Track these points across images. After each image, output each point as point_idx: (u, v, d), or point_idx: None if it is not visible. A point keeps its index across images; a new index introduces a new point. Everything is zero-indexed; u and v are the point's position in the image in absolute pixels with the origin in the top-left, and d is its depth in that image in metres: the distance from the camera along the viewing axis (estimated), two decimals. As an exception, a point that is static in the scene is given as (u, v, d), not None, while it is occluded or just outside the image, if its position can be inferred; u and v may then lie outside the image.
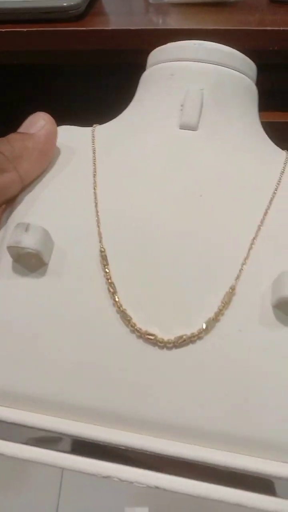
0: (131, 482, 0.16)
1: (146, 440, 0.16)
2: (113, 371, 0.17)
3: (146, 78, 0.26)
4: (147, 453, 0.16)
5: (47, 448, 0.17)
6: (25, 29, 0.50)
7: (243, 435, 0.16)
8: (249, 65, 0.25)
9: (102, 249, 0.19)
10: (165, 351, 0.17)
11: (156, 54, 0.26)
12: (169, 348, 0.17)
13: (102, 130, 0.24)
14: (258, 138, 0.24)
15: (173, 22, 0.49)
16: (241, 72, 0.25)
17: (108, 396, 0.17)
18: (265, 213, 0.20)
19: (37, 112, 0.22)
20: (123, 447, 0.16)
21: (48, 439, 0.17)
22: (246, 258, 0.19)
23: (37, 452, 0.17)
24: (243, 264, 0.19)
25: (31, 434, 0.17)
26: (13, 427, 0.17)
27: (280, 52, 0.48)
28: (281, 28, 0.47)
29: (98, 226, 0.20)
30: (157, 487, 0.15)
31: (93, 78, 0.58)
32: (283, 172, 0.22)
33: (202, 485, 0.15)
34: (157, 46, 0.26)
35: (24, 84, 0.61)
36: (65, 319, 0.18)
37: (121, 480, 0.16)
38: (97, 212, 0.20)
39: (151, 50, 0.27)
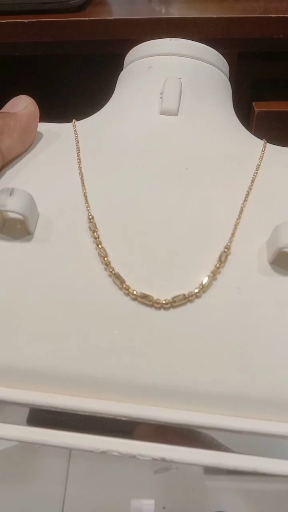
0: (133, 455, 0.14)
1: (147, 409, 0.15)
2: (109, 337, 0.16)
3: (124, 76, 0.27)
4: (149, 422, 0.15)
5: (36, 425, 0.15)
6: (26, 20, 0.49)
7: (251, 397, 0.15)
8: (222, 61, 0.27)
9: (91, 216, 0.18)
10: (162, 311, 0.16)
11: (132, 53, 0.27)
12: (166, 309, 0.16)
13: (82, 124, 0.24)
14: (237, 126, 0.25)
15: (176, 11, 0.49)
16: (215, 67, 0.26)
17: (104, 363, 0.15)
18: (252, 181, 0.20)
19: (19, 95, 0.22)
20: (122, 418, 0.15)
21: (37, 416, 0.16)
22: (238, 219, 0.19)
23: (26, 431, 0.15)
24: (236, 225, 0.18)
25: (18, 411, 0.16)
26: None
27: (285, 40, 0.47)
28: (286, 16, 0.46)
29: (85, 196, 0.19)
30: (163, 459, 0.14)
31: (95, 69, 0.58)
32: (263, 150, 0.22)
33: (213, 454, 0.14)
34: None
35: (25, 76, 0.60)
36: (55, 285, 0.17)
37: (121, 454, 0.15)
38: (83, 184, 0.20)
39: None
